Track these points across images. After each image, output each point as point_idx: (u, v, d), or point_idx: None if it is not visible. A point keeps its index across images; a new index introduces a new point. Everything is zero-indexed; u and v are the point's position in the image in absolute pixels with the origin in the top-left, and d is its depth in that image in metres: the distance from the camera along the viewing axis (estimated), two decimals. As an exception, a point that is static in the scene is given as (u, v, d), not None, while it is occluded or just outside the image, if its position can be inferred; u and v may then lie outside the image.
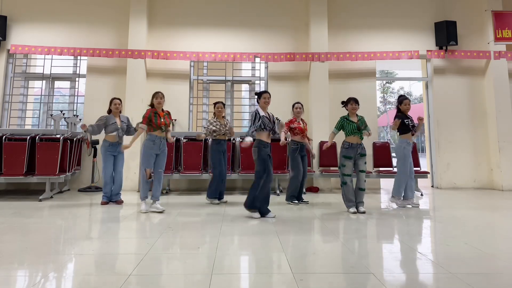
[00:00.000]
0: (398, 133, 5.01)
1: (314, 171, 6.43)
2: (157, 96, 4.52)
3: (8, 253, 2.73)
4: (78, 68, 7.18)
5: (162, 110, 4.60)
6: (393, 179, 5.10)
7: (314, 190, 6.51)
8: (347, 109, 4.68)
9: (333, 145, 6.75)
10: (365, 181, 4.52)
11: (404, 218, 4.19)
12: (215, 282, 2.17)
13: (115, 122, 5.04)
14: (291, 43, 7.31)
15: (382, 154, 6.79)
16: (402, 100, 4.97)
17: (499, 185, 6.88)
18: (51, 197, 5.60)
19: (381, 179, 6.91)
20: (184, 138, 6.54)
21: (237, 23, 7.34)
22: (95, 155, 6.52)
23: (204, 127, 5.24)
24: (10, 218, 4.04)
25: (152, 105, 4.58)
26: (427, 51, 7.26)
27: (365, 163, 4.52)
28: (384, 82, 26.93)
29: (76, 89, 7.19)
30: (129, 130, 5.17)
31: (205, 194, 5.21)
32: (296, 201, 5.11)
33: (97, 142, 6.47)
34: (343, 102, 4.75)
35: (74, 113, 6.83)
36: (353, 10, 7.46)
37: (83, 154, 6.64)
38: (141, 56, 6.81)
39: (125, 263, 2.51)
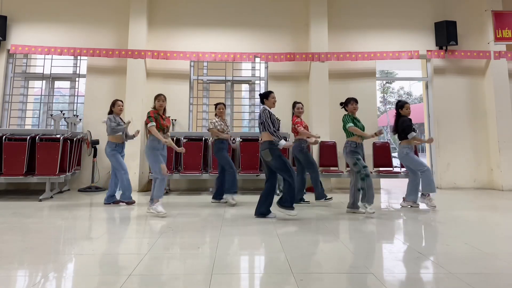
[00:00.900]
0: (398, 139, 4.98)
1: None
2: (159, 98, 4.51)
3: (8, 253, 2.73)
4: (78, 68, 7.18)
5: (164, 113, 4.59)
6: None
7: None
8: (346, 110, 4.65)
9: (333, 145, 6.76)
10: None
11: (404, 218, 4.19)
12: (215, 282, 2.17)
13: (122, 123, 5.09)
14: (291, 43, 7.31)
15: (382, 154, 6.79)
16: (403, 104, 4.94)
17: (499, 185, 6.88)
18: (51, 197, 5.60)
19: (381, 179, 6.91)
20: (184, 138, 6.54)
21: (237, 23, 7.34)
22: (95, 155, 6.52)
23: (210, 127, 5.21)
24: (10, 218, 4.04)
25: (154, 107, 4.56)
26: (427, 51, 7.26)
27: None
28: (384, 82, 26.91)
29: (76, 89, 7.19)
30: (126, 133, 5.20)
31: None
32: (328, 197, 5.12)
33: (97, 142, 6.48)
34: (342, 103, 4.72)
35: (74, 113, 6.83)
36: (353, 10, 7.46)
37: (83, 154, 6.64)
38: (141, 56, 6.81)
39: (125, 263, 2.51)
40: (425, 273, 2.38)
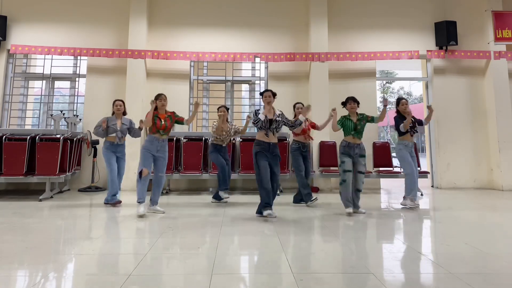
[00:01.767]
0: (397, 135, 5.04)
1: (314, 171, 6.42)
2: (160, 98, 4.48)
3: (8, 253, 2.73)
4: (78, 68, 7.18)
5: (166, 111, 4.56)
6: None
7: (314, 190, 6.50)
8: (347, 109, 4.69)
9: (333, 145, 6.76)
10: (363, 182, 4.49)
11: (404, 218, 4.19)
12: (215, 282, 2.17)
13: (115, 123, 5.03)
14: (291, 43, 7.31)
15: (382, 154, 6.79)
16: (399, 101, 5.04)
17: (499, 185, 6.88)
18: (51, 197, 5.60)
19: (381, 179, 6.91)
20: (184, 138, 6.54)
21: (237, 23, 7.34)
22: (95, 155, 6.52)
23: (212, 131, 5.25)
24: (10, 218, 4.04)
25: (155, 107, 4.53)
26: (427, 51, 7.26)
27: (364, 164, 4.51)
28: (384, 82, 26.93)
29: (76, 89, 7.19)
30: (132, 131, 5.14)
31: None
32: (314, 198, 5.02)
33: (97, 142, 6.48)
34: (343, 103, 4.75)
35: (74, 113, 6.84)
36: (353, 10, 7.46)
37: (83, 154, 6.64)
38: (141, 56, 6.81)
39: (125, 263, 2.51)
40: (425, 273, 2.38)
